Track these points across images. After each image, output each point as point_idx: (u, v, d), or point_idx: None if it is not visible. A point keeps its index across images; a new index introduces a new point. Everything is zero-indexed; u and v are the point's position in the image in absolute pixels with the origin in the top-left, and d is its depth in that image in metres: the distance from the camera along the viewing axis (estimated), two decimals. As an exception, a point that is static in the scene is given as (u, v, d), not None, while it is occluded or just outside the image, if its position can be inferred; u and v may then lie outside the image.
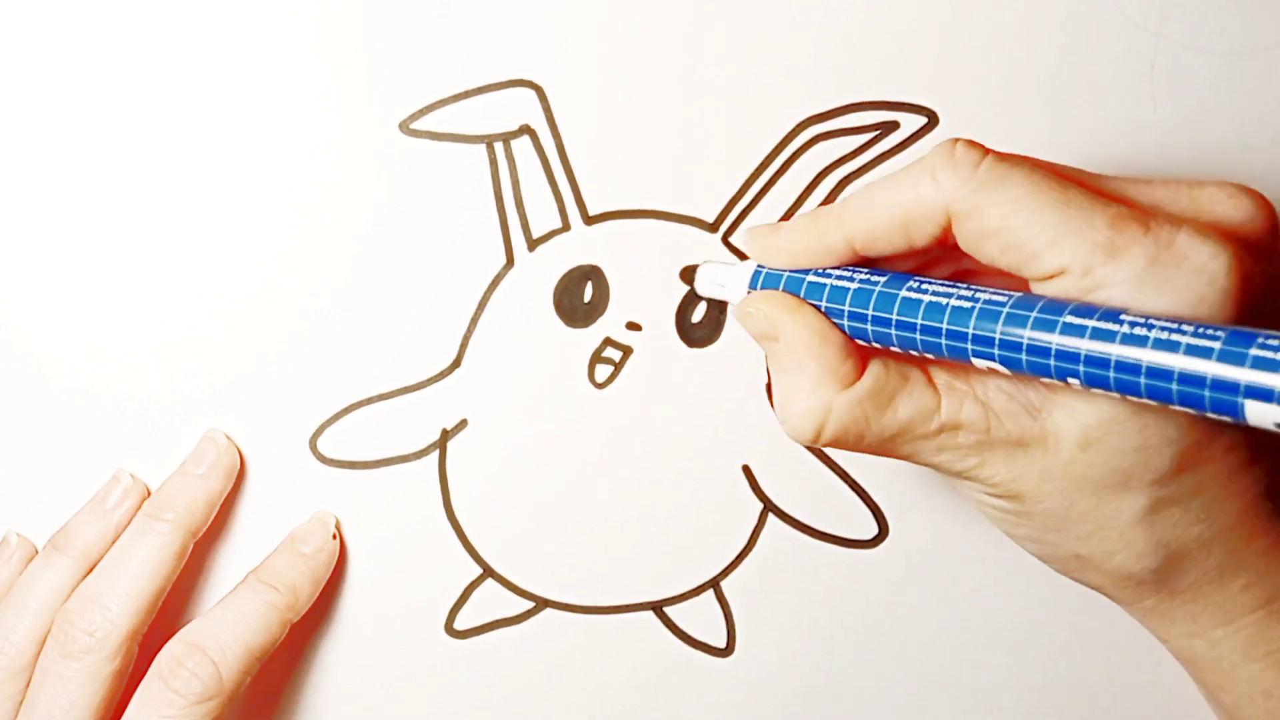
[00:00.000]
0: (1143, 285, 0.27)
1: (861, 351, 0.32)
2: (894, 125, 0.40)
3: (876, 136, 0.40)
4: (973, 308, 0.29)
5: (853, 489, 0.42)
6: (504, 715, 0.43)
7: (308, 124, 0.39)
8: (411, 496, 0.41)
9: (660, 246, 0.40)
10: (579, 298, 0.41)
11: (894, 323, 0.31)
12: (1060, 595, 0.42)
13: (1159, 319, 0.26)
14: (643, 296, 0.41)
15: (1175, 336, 0.26)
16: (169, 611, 0.40)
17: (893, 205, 0.31)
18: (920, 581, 0.43)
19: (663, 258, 0.40)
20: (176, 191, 0.39)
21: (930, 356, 0.31)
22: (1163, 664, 0.42)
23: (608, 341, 0.41)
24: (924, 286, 0.31)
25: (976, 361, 0.29)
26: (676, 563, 0.42)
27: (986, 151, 0.30)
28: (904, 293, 0.31)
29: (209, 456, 0.40)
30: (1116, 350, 0.26)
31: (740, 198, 0.40)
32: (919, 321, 0.30)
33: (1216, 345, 0.25)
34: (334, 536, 0.40)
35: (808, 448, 0.42)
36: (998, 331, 0.29)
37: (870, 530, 0.42)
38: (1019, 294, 0.29)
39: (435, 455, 0.41)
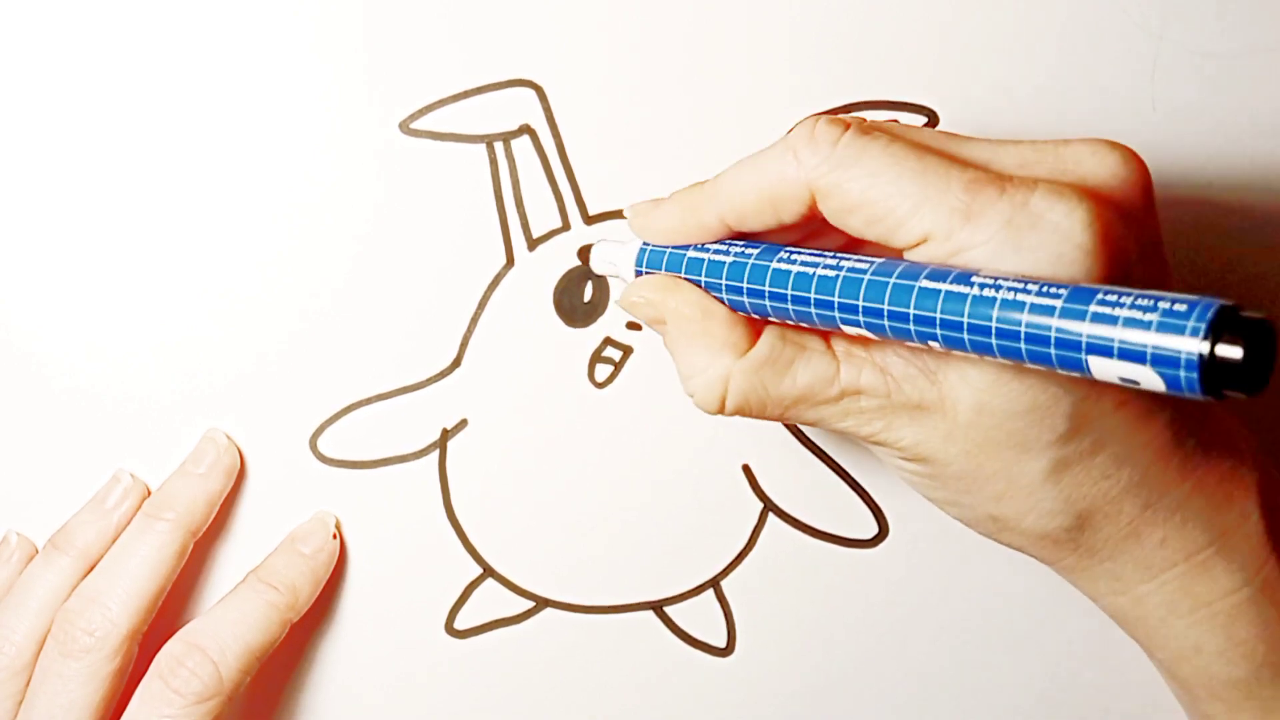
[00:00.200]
0: (1001, 247, 0.28)
1: (754, 322, 0.33)
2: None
3: (876, 136, 0.40)
4: (836, 276, 0.30)
5: (853, 489, 0.42)
6: (504, 715, 0.43)
7: (308, 124, 0.39)
8: (411, 496, 0.41)
9: (660, 246, 0.40)
10: (579, 297, 0.41)
11: (767, 294, 0.31)
12: (1060, 595, 0.42)
13: (1007, 279, 0.27)
14: (643, 296, 0.41)
15: (1020, 296, 0.26)
16: (169, 611, 0.40)
17: (759, 184, 0.31)
18: (920, 581, 0.43)
19: (663, 258, 0.40)
20: (176, 191, 0.39)
21: (804, 325, 0.32)
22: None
23: (608, 341, 0.41)
24: (793, 257, 0.31)
25: (845, 329, 0.30)
26: (676, 563, 0.42)
27: (847, 126, 0.30)
28: (774, 264, 0.31)
29: (209, 456, 0.40)
30: (967, 311, 0.27)
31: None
32: (789, 292, 0.31)
33: (1058, 303, 0.25)
34: (334, 536, 0.40)
35: (801, 435, 0.42)
36: (860, 298, 0.29)
37: (870, 530, 0.42)
38: (880, 260, 0.29)
39: (435, 455, 0.41)
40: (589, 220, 0.40)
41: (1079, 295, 0.25)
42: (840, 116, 0.31)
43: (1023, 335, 0.26)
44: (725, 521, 0.42)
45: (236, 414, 0.40)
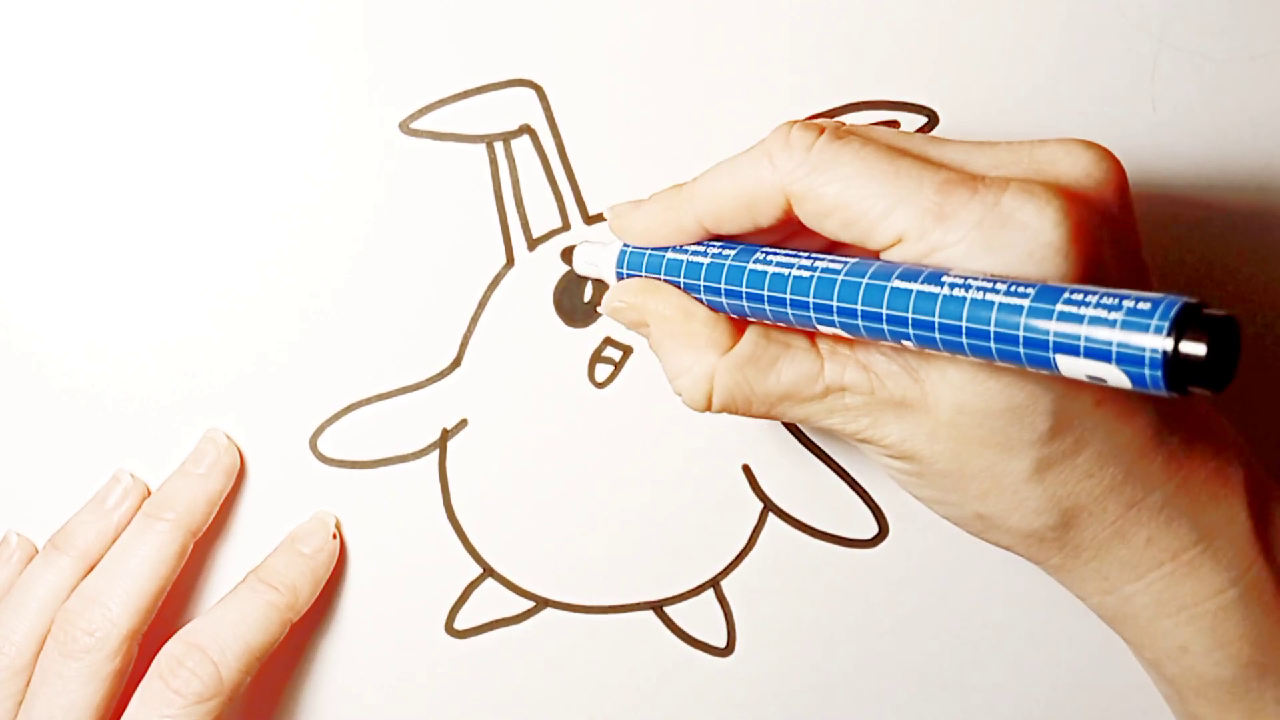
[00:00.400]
0: (973, 246, 0.28)
1: (736, 321, 0.33)
2: (894, 125, 0.40)
3: (876, 136, 0.40)
4: (811, 276, 0.30)
5: (853, 489, 0.42)
6: (504, 715, 0.43)
7: (308, 124, 0.39)
8: (411, 496, 0.41)
9: (660, 246, 0.40)
10: (579, 298, 0.41)
11: (744, 294, 0.32)
12: (1060, 594, 0.42)
13: (977, 278, 0.27)
14: (643, 296, 0.41)
15: (989, 295, 0.26)
16: (169, 611, 0.40)
17: (735, 188, 0.32)
18: (920, 581, 0.43)
19: (663, 258, 0.40)
20: (177, 191, 0.39)
21: (781, 325, 0.32)
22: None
23: (608, 341, 0.41)
24: (769, 258, 0.31)
25: (821, 328, 0.30)
26: (676, 563, 0.42)
27: (821, 131, 0.30)
28: (751, 265, 0.32)
29: (209, 456, 0.40)
30: (938, 310, 0.27)
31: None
32: (765, 292, 0.31)
33: (1026, 302, 0.26)
34: (334, 536, 0.40)
35: (801, 435, 0.42)
36: (834, 299, 0.29)
37: (870, 530, 0.42)
38: (854, 260, 0.30)
39: (435, 455, 0.41)
40: (589, 220, 0.40)
41: (1046, 294, 0.25)
42: (816, 121, 0.31)
43: (992, 334, 0.26)
44: (725, 521, 0.42)
45: (236, 414, 0.40)
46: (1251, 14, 0.40)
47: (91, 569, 0.39)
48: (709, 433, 0.41)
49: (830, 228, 0.30)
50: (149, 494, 0.40)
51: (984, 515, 0.32)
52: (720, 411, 0.33)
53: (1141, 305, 0.24)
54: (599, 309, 0.37)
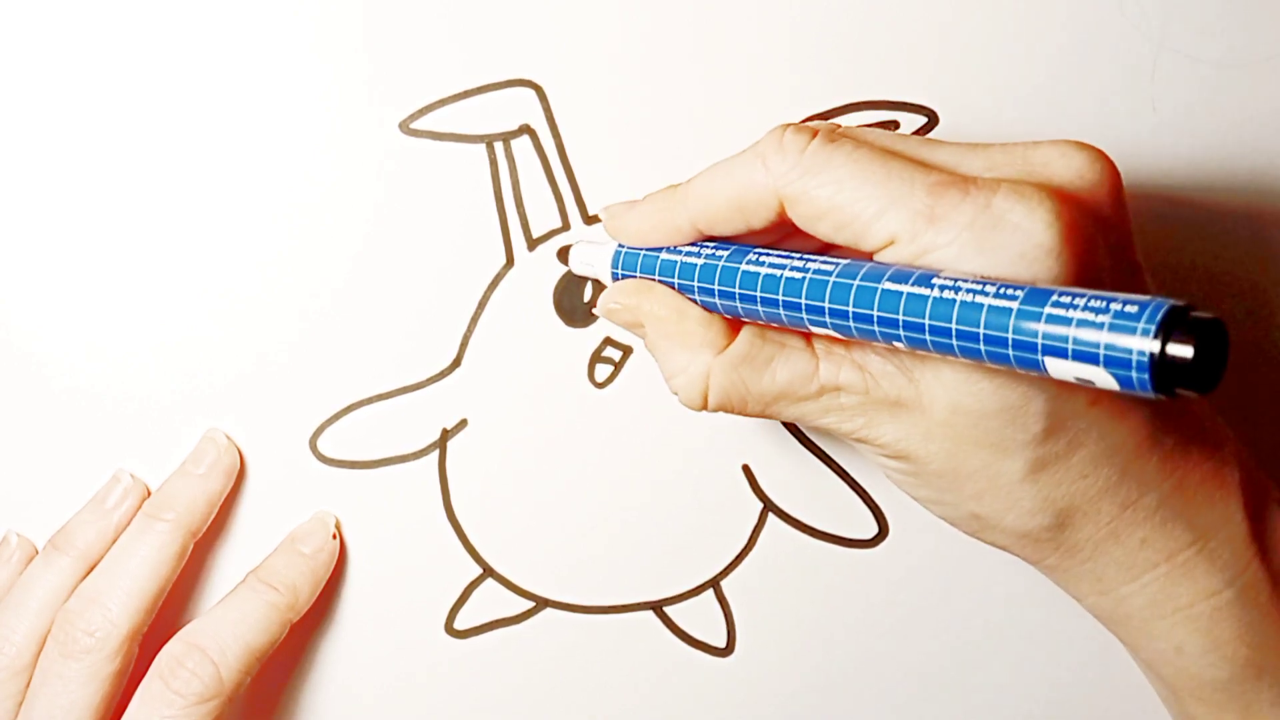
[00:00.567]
0: (964, 248, 0.28)
1: (731, 321, 0.33)
2: (894, 125, 0.40)
3: (876, 136, 0.40)
4: (803, 278, 0.30)
5: (853, 489, 0.42)
6: (504, 715, 0.43)
7: (308, 124, 0.39)
8: (411, 496, 0.41)
9: (660, 246, 0.40)
10: (579, 298, 0.41)
11: (737, 295, 0.32)
12: (1060, 594, 0.42)
13: (966, 280, 0.27)
14: (643, 296, 0.41)
15: (979, 297, 0.26)
16: (169, 611, 0.40)
17: (728, 191, 0.32)
18: (920, 581, 0.43)
19: (663, 258, 0.40)
20: (177, 191, 0.39)
21: (775, 326, 0.32)
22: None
23: (608, 341, 0.41)
24: (761, 259, 0.32)
25: (813, 329, 0.30)
26: (676, 563, 0.42)
27: (815, 133, 0.30)
28: (744, 266, 0.32)
29: (209, 456, 0.40)
30: (928, 312, 0.27)
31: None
32: (757, 293, 0.31)
33: (1015, 305, 0.26)
34: (334, 536, 0.40)
35: (801, 436, 0.42)
36: (826, 300, 0.29)
37: (870, 530, 0.42)
38: (845, 262, 0.30)
39: (435, 455, 0.41)
40: (589, 220, 0.40)
41: (1035, 296, 0.26)
42: (809, 124, 0.31)
43: (981, 336, 0.26)
44: (725, 521, 0.42)
45: (236, 414, 0.40)
46: (1250, 16, 0.40)
47: (92, 569, 0.39)
48: (709, 433, 0.41)
49: (823, 230, 0.30)
50: (149, 494, 0.40)
51: (979, 515, 0.32)
52: (716, 411, 0.33)
53: (1129, 308, 0.24)
54: (594, 310, 0.38)
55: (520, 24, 0.39)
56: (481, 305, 0.40)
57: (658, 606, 0.42)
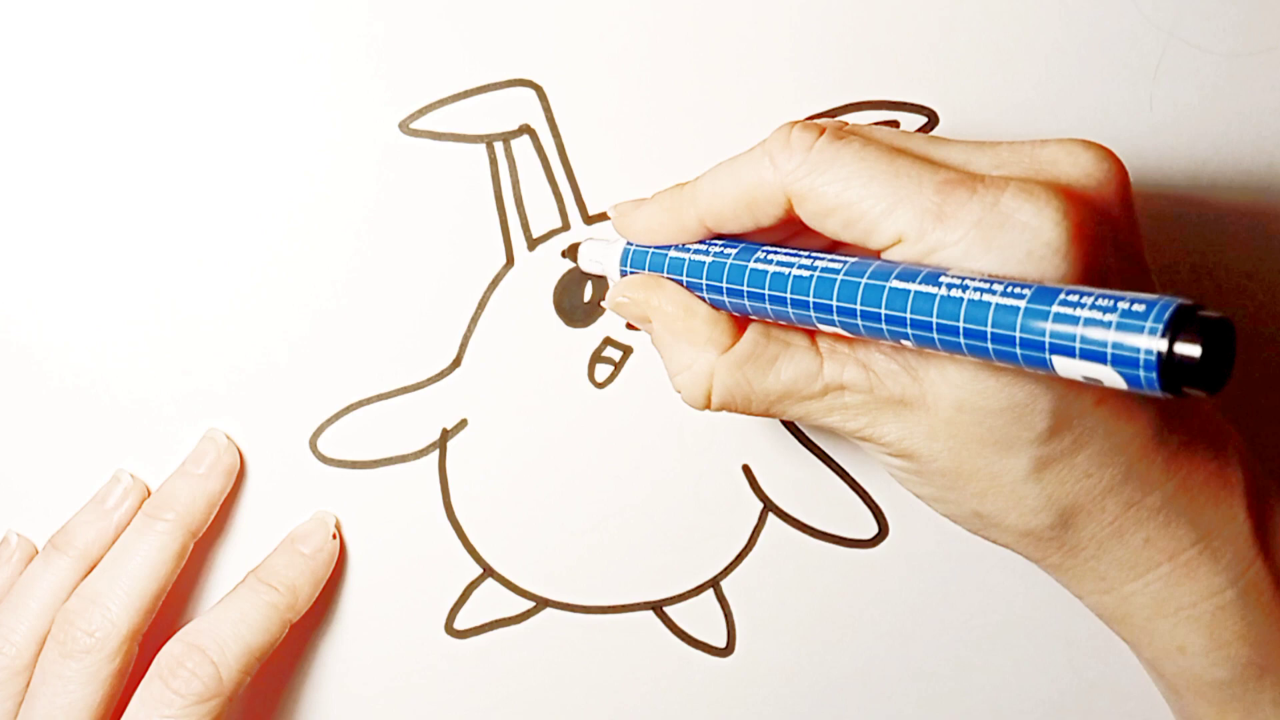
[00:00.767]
0: (972, 246, 0.28)
1: (738, 319, 0.33)
2: (894, 125, 0.40)
3: (876, 136, 0.40)
4: (811, 276, 0.30)
5: (853, 489, 0.42)
6: (504, 715, 0.43)
7: (308, 124, 0.39)
8: (411, 496, 0.41)
9: (660, 246, 0.40)
10: (579, 297, 0.41)
11: (745, 293, 0.32)
12: (1060, 594, 0.42)
13: (974, 278, 0.27)
14: (643, 296, 0.41)
15: (986, 296, 0.26)
16: (170, 611, 0.40)
17: (736, 188, 0.32)
18: (920, 581, 0.43)
19: (663, 258, 0.40)
20: (177, 191, 0.39)
21: (782, 324, 0.32)
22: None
23: (608, 341, 0.41)
24: (770, 257, 0.32)
25: (821, 327, 0.31)
26: (676, 563, 0.42)
27: (822, 131, 0.31)
28: (752, 264, 0.32)
29: (209, 456, 0.40)
30: (936, 311, 0.27)
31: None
32: (765, 291, 0.31)
33: (1022, 303, 0.26)
34: (334, 536, 0.40)
35: (801, 435, 0.42)
36: (834, 298, 0.30)
37: (870, 530, 0.42)
38: (854, 260, 0.30)
39: (435, 455, 0.41)
40: (589, 220, 0.40)
41: (1042, 295, 0.26)
42: (816, 121, 0.31)
43: (989, 335, 0.26)
44: (725, 521, 0.42)
45: (236, 414, 0.40)
46: (1252, 11, 0.40)
47: (92, 569, 0.39)
48: (709, 433, 0.41)
49: (831, 227, 0.30)
50: (149, 494, 0.40)
51: (982, 514, 0.32)
52: (719, 409, 0.33)
53: (1136, 307, 0.24)
54: (602, 304, 0.38)
55: (520, 24, 0.39)
56: (481, 305, 0.40)
57: (658, 606, 0.42)
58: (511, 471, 0.41)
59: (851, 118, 0.40)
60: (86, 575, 0.38)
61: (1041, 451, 0.30)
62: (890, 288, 0.28)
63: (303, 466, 0.41)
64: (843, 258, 0.30)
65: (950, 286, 0.27)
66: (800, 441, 0.42)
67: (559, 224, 0.40)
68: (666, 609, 0.42)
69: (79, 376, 0.40)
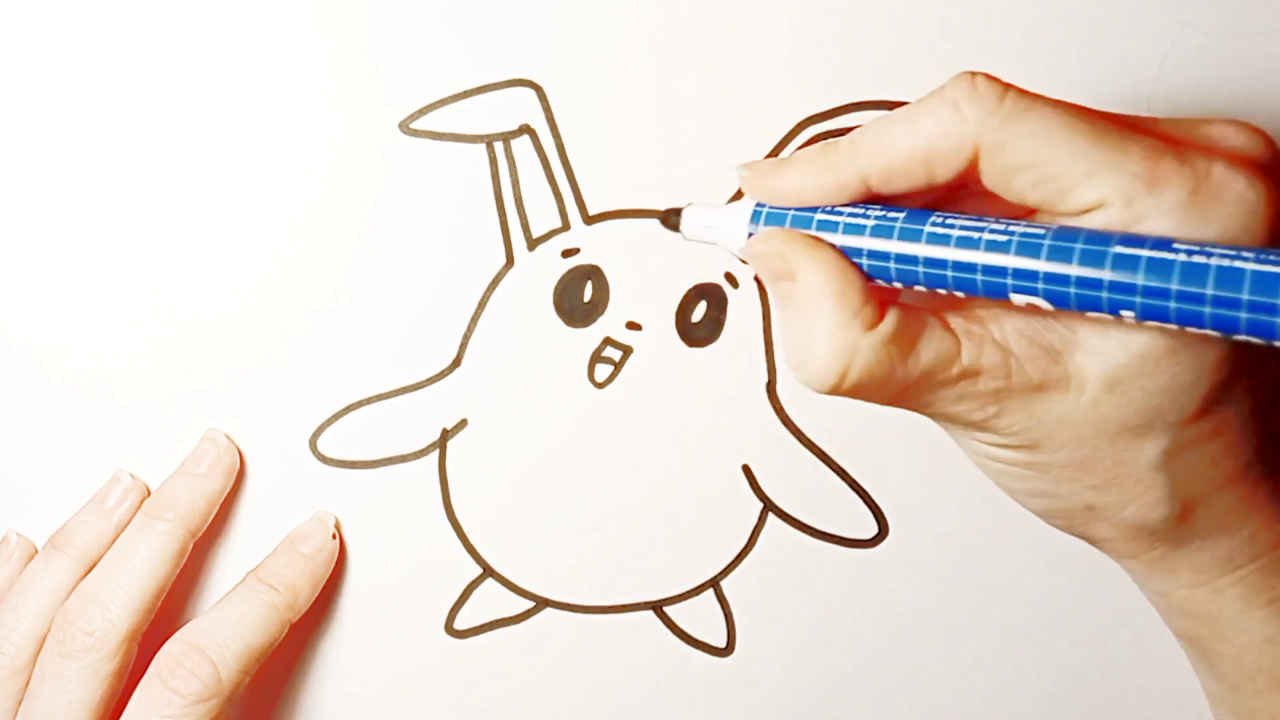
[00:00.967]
0: (1186, 216, 0.27)
1: (879, 294, 0.31)
2: (894, 125, 0.40)
3: (876, 136, 0.40)
4: (1009, 241, 0.28)
5: (853, 489, 0.42)
6: (504, 715, 0.43)
7: (308, 123, 0.39)
8: (411, 496, 0.41)
9: (660, 246, 0.40)
10: (579, 297, 0.41)
11: (921, 260, 0.30)
12: (1060, 594, 0.42)
13: (1216, 247, 0.26)
14: (643, 296, 0.41)
15: (1239, 263, 0.25)
16: (169, 611, 0.40)
17: (913, 140, 0.29)
18: (920, 581, 0.43)
19: (662, 257, 0.40)
20: (177, 191, 0.39)
21: (959, 294, 0.30)
22: (1162, 661, 0.42)
23: (608, 341, 0.41)
24: (949, 222, 0.29)
25: (1015, 298, 0.29)
26: (676, 562, 0.42)
27: (1008, 86, 0.29)
28: (929, 228, 0.29)
29: (209, 456, 0.40)
30: (1176, 278, 0.26)
31: (740, 197, 0.40)
32: (950, 258, 0.29)
33: None
34: (334, 536, 0.40)
35: (801, 435, 0.42)
36: (1041, 265, 0.28)
37: (870, 530, 0.42)
38: (1054, 226, 0.28)
39: (435, 455, 0.41)
40: (589, 220, 0.40)
41: None
42: (997, 77, 0.29)
43: (1245, 303, 0.25)
44: (725, 521, 0.42)
45: (236, 414, 0.40)
46: (1252, 13, 0.40)
47: (91, 569, 0.39)
48: (709, 433, 0.41)
49: (1018, 185, 0.29)
50: (149, 494, 0.40)
51: (1095, 507, 0.31)
52: (846, 391, 0.30)
53: None
54: (735, 250, 0.33)
55: (520, 24, 0.39)
56: (481, 305, 0.40)
57: (658, 606, 0.42)
58: (511, 471, 0.41)
59: (851, 118, 0.40)
60: (86, 575, 0.38)
61: (1181, 436, 0.30)
62: (1114, 253, 0.27)
63: (303, 466, 0.41)
64: (1037, 224, 0.28)
65: (1191, 253, 0.26)
66: (800, 441, 0.42)
67: (559, 224, 0.40)
68: (666, 609, 0.42)
69: (79, 376, 0.40)
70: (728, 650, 0.43)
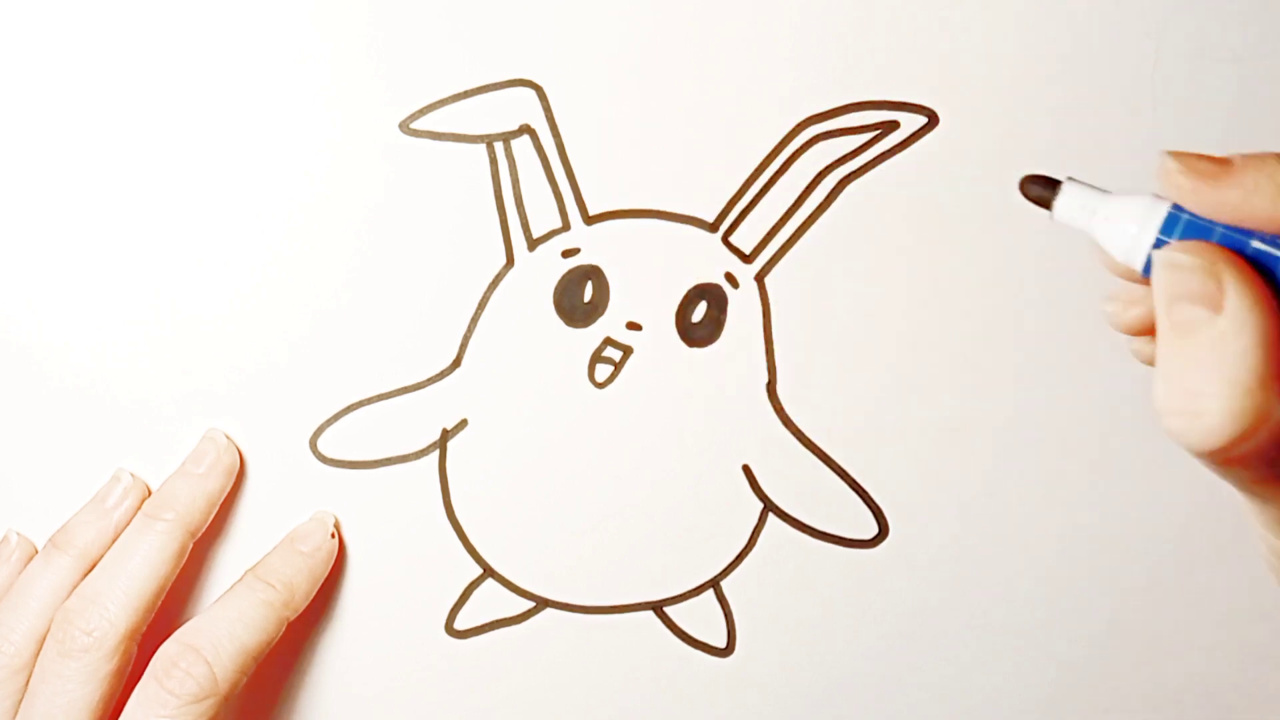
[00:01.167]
0: None
1: None
2: (894, 125, 0.40)
3: (877, 136, 0.40)
4: None
5: (853, 489, 0.42)
6: (504, 715, 0.43)
7: (308, 124, 0.39)
8: (411, 496, 0.41)
9: (660, 246, 0.40)
10: (579, 298, 0.41)
11: None
12: (1059, 595, 0.42)
13: None
14: (643, 296, 0.41)
15: None
16: (169, 611, 0.40)
17: None
18: (920, 581, 0.43)
19: (663, 257, 0.40)
20: (177, 191, 0.39)
21: None
22: (1161, 663, 0.42)
23: (608, 341, 0.41)
24: None
25: None
26: (676, 563, 0.42)
27: None
28: None
29: (209, 456, 0.40)
30: None
31: (740, 197, 0.40)
32: None
33: None
34: (333, 535, 0.40)
35: (801, 435, 0.42)
36: None
37: (870, 530, 0.42)
38: None
39: (435, 455, 0.41)
40: (589, 220, 0.40)
41: None
42: None
43: None
44: (725, 521, 0.42)
45: (236, 414, 0.40)
46: (1252, 13, 0.40)
47: (92, 568, 0.39)
48: (709, 433, 0.41)
49: None
50: (149, 494, 0.40)
51: None
52: (1233, 459, 0.24)
53: None
54: (1119, 249, 0.27)
55: (520, 24, 0.39)
56: (481, 305, 0.40)
57: (658, 606, 0.42)
58: (511, 471, 0.41)
59: (851, 118, 0.40)
60: (86, 574, 0.38)
61: None
62: None
63: (303, 466, 0.41)
64: None
65: None
66: (800, 441, 0.42)
67: (559, 224, 0.40)
68: (666, 609, 0.42)
69: (79, 376, 0.40)
70: (728, 650, 0.43)
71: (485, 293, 0.40)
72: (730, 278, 0.41)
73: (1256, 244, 0.25)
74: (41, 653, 0.37)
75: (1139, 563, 0.42)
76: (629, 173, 0.40)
